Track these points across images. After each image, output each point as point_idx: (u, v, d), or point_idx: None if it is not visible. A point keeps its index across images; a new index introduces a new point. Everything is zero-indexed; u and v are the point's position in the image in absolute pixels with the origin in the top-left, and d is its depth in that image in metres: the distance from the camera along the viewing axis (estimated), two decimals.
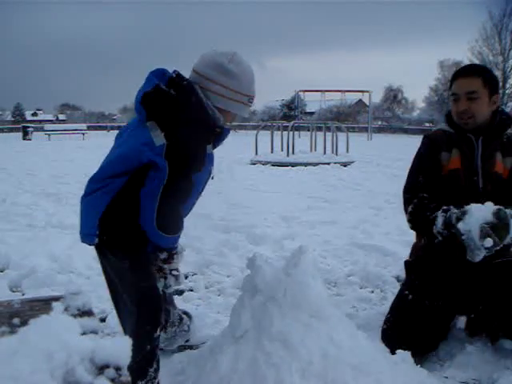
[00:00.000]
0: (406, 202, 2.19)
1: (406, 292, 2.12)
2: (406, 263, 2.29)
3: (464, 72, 2.13)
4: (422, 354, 1.94)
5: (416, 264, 2.24)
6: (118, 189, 1.61)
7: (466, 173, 2.11)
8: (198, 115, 1.58)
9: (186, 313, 2.14)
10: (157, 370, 1.65)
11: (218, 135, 1.70)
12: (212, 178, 1.81)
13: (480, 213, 1.83)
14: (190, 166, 1.58)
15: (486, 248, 1.77)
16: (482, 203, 1.92)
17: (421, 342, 1.95)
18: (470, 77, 2.09)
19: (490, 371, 1.82)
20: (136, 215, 1.59)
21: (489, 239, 1.76)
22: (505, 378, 1.76)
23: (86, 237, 1.70)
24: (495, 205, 1.88)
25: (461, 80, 2.11)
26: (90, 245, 1.71)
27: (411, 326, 1.97)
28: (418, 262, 2.24)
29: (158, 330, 1.67)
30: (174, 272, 1.73)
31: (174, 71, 1.64)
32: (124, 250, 1.65)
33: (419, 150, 2.29)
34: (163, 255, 1.70)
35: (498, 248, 1.80)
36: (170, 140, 1.54)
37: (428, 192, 2.15)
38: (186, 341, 2.12)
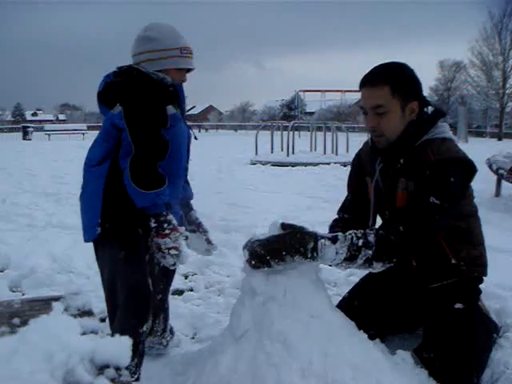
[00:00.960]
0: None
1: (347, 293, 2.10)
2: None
3: (369, 81, 1.72)
4: None
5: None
6: (106, 172, 1.73)
7: (378, 207, 1.92)
8: (142, 82, 1.74)
9: (171, 329, 2.13)
10: (138, 365, 1.69)
11: (174, 93, 1.83)
12: (196, 139, 2.08)
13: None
14: (145, 120, 1.68)
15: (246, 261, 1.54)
16: None
17: None
18: (376, 86, 1.69)
19: (490, 371, 1.81)
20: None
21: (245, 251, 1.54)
22: (505, 377, 1.76)
23: (88, 231, 1.76)
24: None
25: (366, 91, 1.72)
26: (91, 240, 1.76)
27: None
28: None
29: (144, 326, 1.68)
30: (173, 251, 1.68)
31: (117, 66, 1.83)
32: (122, 238, 1.72)
33: (351, 164, 2.14)
34: (153, 223, 1.68)
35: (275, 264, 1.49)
36: (124, 106, 1.70)
37: (355, 212, 2.03)
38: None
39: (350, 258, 1.54)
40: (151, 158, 1.67)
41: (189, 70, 1.93)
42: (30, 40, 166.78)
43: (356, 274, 3.10)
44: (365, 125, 1.80)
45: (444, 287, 1.86)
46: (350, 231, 1.58)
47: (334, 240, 1.54)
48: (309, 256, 1.50)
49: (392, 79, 1.69)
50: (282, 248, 1.49)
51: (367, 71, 1.75)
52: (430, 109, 1.76)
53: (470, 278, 1.87)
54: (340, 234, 1.57)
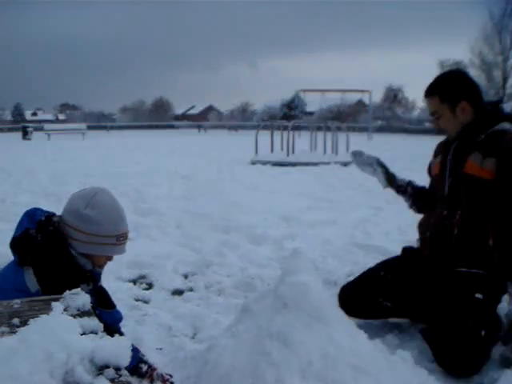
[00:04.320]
0: None
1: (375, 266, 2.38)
2: (403, 249, 2.42)
3: (425, 93, 2.21)
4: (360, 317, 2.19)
5: (405, 253, 2.38)
6: None
7: (441, 177, 2.22)
8: (61, 263, 1.57)
9: None
10: None
11: (90, 278, 1.68)
12: None
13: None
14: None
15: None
16: (447, 206, 2.12)
17: (360, 305, 2.20)
18: (429, 98, 2.19)
19: (491, 371, 1.81)
20: None
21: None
22: (505, 377, 1.76)
23: None
24: (472, 209, 2.02)
25: (426, 100, 2.24)
26: None
27: (360, 286, 2.28)
28: (409, 251, 2.37)
29: None
30: None
31: (46, 213, 1.66)
32: None
33: None
34: None
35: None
36: (42, 285, 1.53)
37: (433, 192, 2.39)
38: None
39: None
40: None
41: None
42: (29, 40, 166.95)
43: (356, 273, 3.10)
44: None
45: (471, 275, 1.98)
46: None
47: None
48: None
49: (440, 90, 2.14)
50: None
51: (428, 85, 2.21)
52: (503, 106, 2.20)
53: (497, 274, 1.97)
54: None
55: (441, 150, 2.30)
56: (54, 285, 1.50)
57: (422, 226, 2.29)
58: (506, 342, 1.89)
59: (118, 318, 1.82)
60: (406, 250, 2.37)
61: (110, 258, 1.73)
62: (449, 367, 1.76)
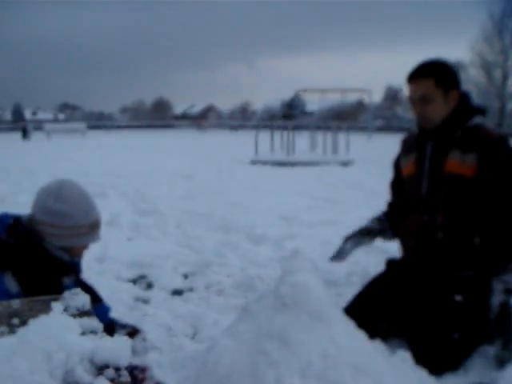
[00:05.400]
0: None
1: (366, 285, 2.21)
2: (388, 262, 2.29)
3: (415, 74, 2.00)
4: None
5: (392, 265, 2.25)
6: None
7: (417, 177, 2.07)
8: (37, 261, 1.58)
9: None
10: None
11: (70, 268, 1.69)
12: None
13: None
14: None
15: None
16: (426, 209, 2.00)
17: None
18: (421, 79, 1.97)
19: (490, 371, 1.81)
20: None
21: None
22: (505, 377, 1.76)
23: None
24: (454, 210, 1.94)
25: (413, 83, 2.01)
26: None
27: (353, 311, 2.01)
28: (393, 264, 2.25)
29: None
30: None
31: (14, 217, 1.65)
32: None
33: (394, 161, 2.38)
34: None
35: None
36: (22, 285, 1.54)
37: (395, 197, 2.32)
38: None
39: None
40: None
41: None
42: (29, 39, 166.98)
43: (356, 275, 3.10)
44: (413, 112, 2.07)
45: (456, 278, 1.93)
46: None
47: None
48: None
49: (436, 72, 1.96)
50: None
51: (413, 67, 2.02)
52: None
53: (485, 273, 1.92)
54: None
55: (413, 148, 2.14)
56: (34, 283, 1.52)
57: (404, 234, 2.19)
58: (494, 339, 1.86)
59: (107, 310, 1.84)
60: (391, 264, 2.25)
61: (86, 247, 1.76)
62: (420, 363, 1.76)
